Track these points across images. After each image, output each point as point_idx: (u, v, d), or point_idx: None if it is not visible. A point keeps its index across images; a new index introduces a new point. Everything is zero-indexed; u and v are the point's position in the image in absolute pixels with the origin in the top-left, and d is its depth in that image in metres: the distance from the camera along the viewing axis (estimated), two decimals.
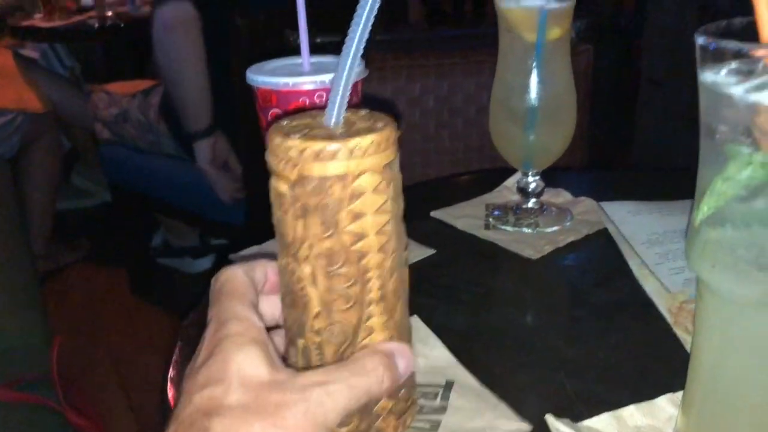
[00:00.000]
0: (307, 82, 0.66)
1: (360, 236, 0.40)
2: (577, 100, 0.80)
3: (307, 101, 0.67)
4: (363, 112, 0.44)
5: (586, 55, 1.50)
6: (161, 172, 2.10)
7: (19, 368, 1.16)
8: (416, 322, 0.61)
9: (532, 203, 0.83)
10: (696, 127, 0.38)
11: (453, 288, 0.70)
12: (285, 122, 0.42)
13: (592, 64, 1.50)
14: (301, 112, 0.46)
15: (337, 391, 0.39)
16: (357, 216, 0.39)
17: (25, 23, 2.42)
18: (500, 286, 0.72)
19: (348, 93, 0.41)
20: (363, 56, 0.63)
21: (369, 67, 1.71)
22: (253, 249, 0.80)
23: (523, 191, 0.83)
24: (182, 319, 0.67)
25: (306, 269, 0.40)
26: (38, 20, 2.42)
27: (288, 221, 0.40)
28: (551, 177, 0.87)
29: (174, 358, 0.65)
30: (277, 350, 0.43)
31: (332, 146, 0.38)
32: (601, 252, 0.75)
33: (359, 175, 0.38)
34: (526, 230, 0.80)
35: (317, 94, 0.67)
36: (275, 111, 0.68)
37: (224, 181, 1.87)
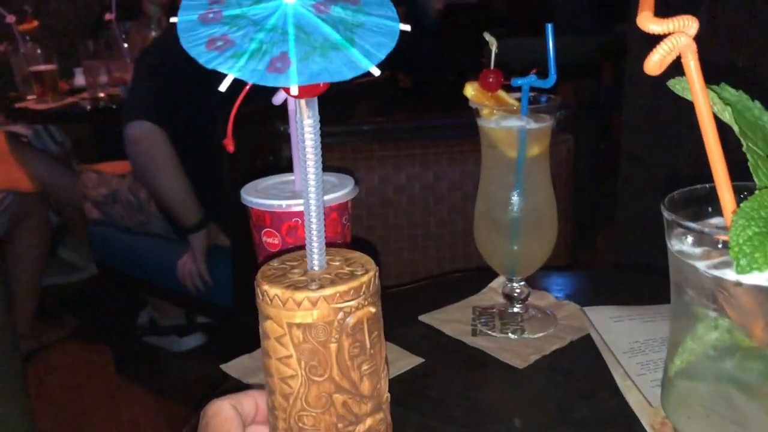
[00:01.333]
0: (298, 204, 0.69)
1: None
2: (558, 210, 0.83)
3: (300, 221, 0.70)
4: (346, 255, 0.46)
5: (566, 145, 1.56)
6: (149, 252, 2.11)
7: None
8: None
9: (517, 308, 0.85)
10: None
11: (443, 402, 0.72)
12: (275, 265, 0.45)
13: (573, 153, 1.55)
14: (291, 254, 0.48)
15: None
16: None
17: (18, 105, 2.46)
18: (488, 398, 0.73)
19: (322, 238, 0.44)
20: (350, 174, 0.66)
21: (357, 156, 1.74)
22: (244, 358, 0.81)
23: (509, 297, 0.85)
24: (167, 399, 0.67)
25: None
26: (31, 102, 2.47)
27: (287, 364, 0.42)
28: (535, 278, 0.90)
29: None
30: None
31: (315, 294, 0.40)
32: (586, 361, 0.77)
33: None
34: (512, 336, 0.82)
35: None
36: (269, 230, 0.71)
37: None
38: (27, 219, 2.42)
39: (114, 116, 2.39)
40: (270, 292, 0.41)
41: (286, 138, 1.48)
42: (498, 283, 0.93)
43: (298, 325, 0.41)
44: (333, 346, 0.42)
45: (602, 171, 3.19)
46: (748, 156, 0.36)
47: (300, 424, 0.43)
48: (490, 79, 0.79)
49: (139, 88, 1.85)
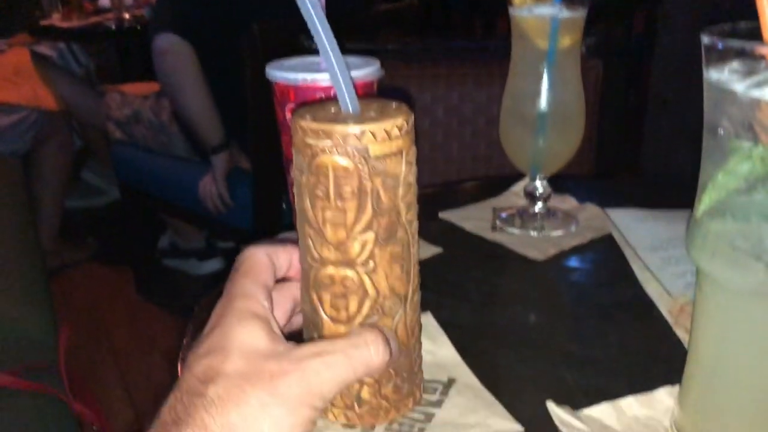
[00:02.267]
0: (324, 79, 0.68)
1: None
2: (585, 109, 0.82)
3: (323, 96, 0.69)
4: (375, 101, 0.47)
5: (595, 70, 1.52)
6: (171, 174, 2.13)
7: (24, 357, 1.18)
8: (428, 318, 0.62)
9: (538, 207, 0.85)
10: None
11: (459, 285, 0.72)
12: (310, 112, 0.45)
13: (601, 79, 1.52)
14: (314, 104, 0.48)
15: (334, 363, 0.40)
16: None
17: (44, 23, 2.46)
18: (505, 285, 0.73)
19: (348, 79, 0.44)
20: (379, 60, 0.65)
21: (396, 90, 1.73)
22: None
23: (531, 195, 0.85)
24: (186, 319, 0.69)
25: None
26: (56, 20, 2.46)
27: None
28: (558, 184, 0.89)
29: (185, 340, 0.66)
30: (280, 328, 0.44)
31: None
32: (605, 256, 0.77)
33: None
34: (532, 233, 0.82)
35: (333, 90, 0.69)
36: (292, 106, 0.70)
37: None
38: (51, 138, 2.44)
39: (138, 37, 2.38)
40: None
41: (311, 52, 1.46)
42: (519, 187, 0.92)
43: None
44: (303, 178, 0.44)
45: (630, 119, 3.13)
46: None
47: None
48: None
49: (165, 1, 1.83)
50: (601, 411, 0.51)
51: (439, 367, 0.56)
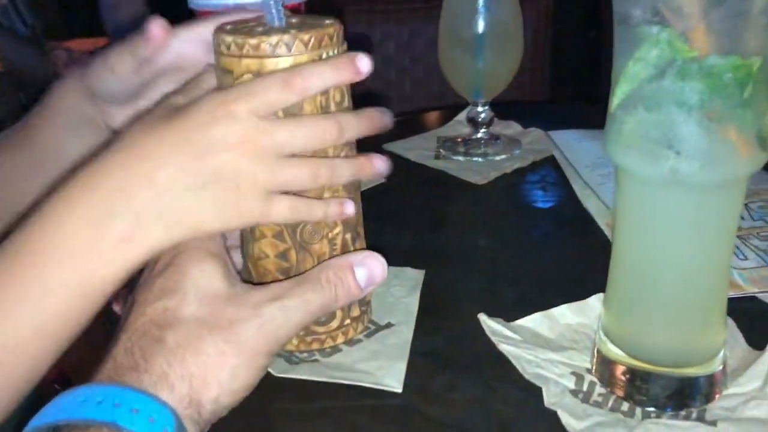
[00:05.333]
0: (249, 3, 0.65)
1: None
2: (524, 30, 0.80)
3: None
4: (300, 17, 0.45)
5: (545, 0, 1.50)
6: None
7: None
8: (416, 273, 0.59)
9: (482, 134, 0.84)
10: None
11: (400, 212, 0.71)
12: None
13: (551, 9, 1.50)
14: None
15: (291, 307, 0.39)
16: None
17: None
18: (446, 209, 0.73)
19: None
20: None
21: (329, 11, 1.69)
22: None
23: (473, 121, 0.84)
24: None
25: None
26: None
27: None
28: (503, 110, 0.88)
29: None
30: (234, 266, 0.43)
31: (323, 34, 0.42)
32: (547, 177, 0.76)
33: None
34: (476, 159, 0.81)
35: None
36: None
37: None
38: None
39: None
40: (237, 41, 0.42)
41: None
42: (463, 115, 0.90)
43: None
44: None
45: (590, 51, 3.11)
46: None
47: None
48: None
49: None
50: (533, 320, 0.51)
51: (390, 311, 0.54)
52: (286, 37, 0.41)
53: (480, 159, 0.81)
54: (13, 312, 0.37)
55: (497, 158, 0.81)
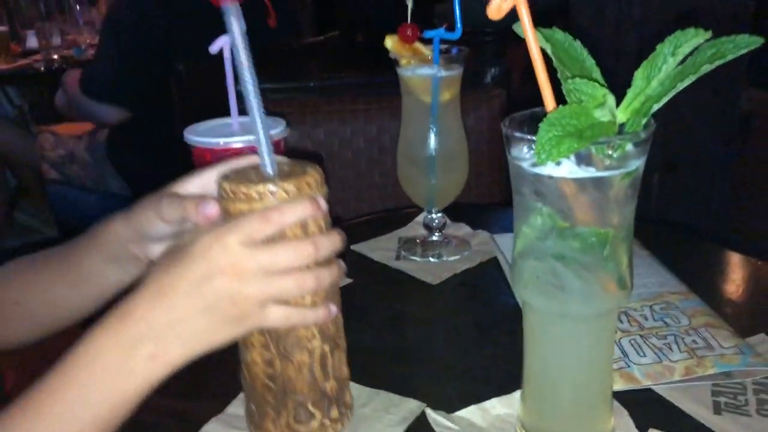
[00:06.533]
0: (236, 142, 0.79)
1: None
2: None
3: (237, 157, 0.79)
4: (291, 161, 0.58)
5: (499, 99, 1.66)
6: (107, 210, 2.17)
7: None
8: (415, 406, 0.65)
9: (436, 236, 0.97)
10: None
11: (364, 311, 0.83)
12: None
13: (505, 107, 1.67)
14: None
15: None
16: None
17: None
18: (404, 308, 0.85)
19: (270, 146, 0.54)
20: (285, 117, 0.77)
21: (304, 111, 1.83)
22: None
23: (428, 227, 0.97)
24: None
25: None
26: None
27: None
28: (455, 213, 1.01)
29: None
30: None
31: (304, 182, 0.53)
32: (490, 277, 0.90)
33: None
34: (431, 259, 0.94)
35: (245, 152, 0.79)
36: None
37: None
38: None
39: None
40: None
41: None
42: (422, 217, 1.04)
43: None
44: None
45: None
46: (562, 81, 0.47)
47: None
48: (408, 32, 0.89)
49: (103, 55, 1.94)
50: (470, 412, 0.63)
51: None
52: (271, 187, 0.53)
53: (434, 260, 0.94)
54: (60, 419, 0.49)
55: (449, 259, 0.94)
